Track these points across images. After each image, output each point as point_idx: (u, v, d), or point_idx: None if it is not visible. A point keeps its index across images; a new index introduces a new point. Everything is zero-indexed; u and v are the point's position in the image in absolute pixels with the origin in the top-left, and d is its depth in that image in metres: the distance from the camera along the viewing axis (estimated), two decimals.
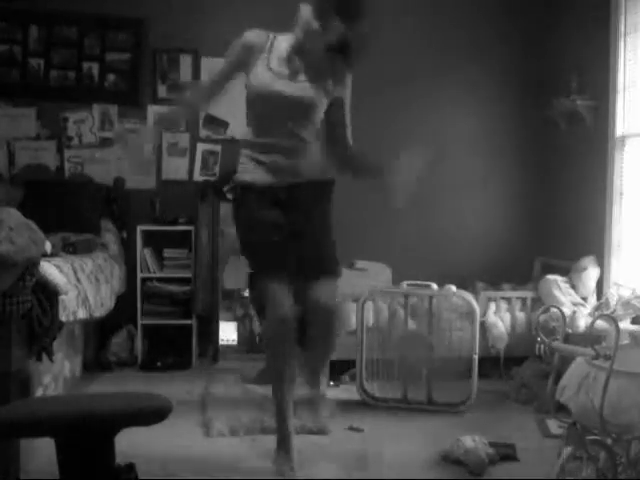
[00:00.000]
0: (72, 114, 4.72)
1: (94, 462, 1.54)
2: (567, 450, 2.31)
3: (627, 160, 4.07)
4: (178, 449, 3.07)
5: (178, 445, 3.11)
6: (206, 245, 4.51)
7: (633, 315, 3.59)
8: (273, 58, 2.65)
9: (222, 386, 3.94)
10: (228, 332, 4.66)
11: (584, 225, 4.43)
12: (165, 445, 3.08)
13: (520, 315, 4.27)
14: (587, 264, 4.14)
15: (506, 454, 3.02)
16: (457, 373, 3.75)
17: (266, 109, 2.68)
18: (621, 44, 4.07)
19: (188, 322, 4.56)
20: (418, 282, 3.82)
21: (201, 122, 4.82)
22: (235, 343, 4.69)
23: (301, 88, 2.65)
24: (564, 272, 4.28)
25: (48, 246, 3.12)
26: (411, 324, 3.85)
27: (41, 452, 2.65)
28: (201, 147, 4.82)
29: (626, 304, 3.68)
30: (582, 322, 3.79)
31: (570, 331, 3.66)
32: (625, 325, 3.45)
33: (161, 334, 4.64)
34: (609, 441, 2.34)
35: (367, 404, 3.77)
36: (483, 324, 4.12)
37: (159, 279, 4.57)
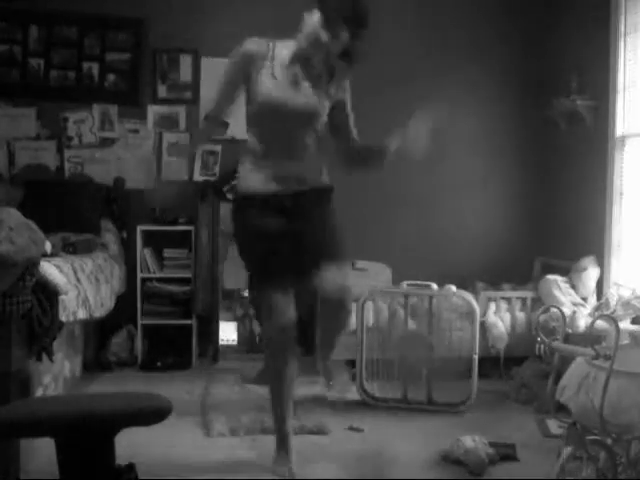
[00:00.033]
0: (72, 114, 4.72)
1: (94, 462, 1.54)
2: (567, 450, 2.31)
3: (627, 160, 4.07)
4: (178, 449, 3.07)
5: (178, 445, 3.11)
6: (206, 245, 4.51)
7: (633, 315, 3.59)
8: (276, 67, 2.63)
9: (222, 386, 3.94)
10: (228, 332, 4.66)
11: (584, 225, 4.43)
12: (165, 445, 3.08)
13: (520, 315, 4.27)
14: (587, 264, 4.14)
15: (506, 454, 3.02)
16: (457, 373, 3.75)
17: (270, 118, 2.66)
18: (621, 44, 4.07)
19: (188, 322, 4.56)
20: (418, 282, 3.82)
21: (201, 122, 4.81)
22: (235, 343, 4.68)
23: (305, 97, 2.64)
24: (564, 272, 4.28)
25: (48, 246, 3.12)
26: (411, 324, 3.85)
27: (41, 452, 2.65)
28: (201, 147, 4.82)
29: (626, 304, 3.68)
30: (582, 322, 3.79)
31: (570, 331, 3.66)
32: (625, 325, 3.45)
33: (161, 334, 4.63)
34: (609, 441, 2.34)
35: (367, 404, 3.77)
36: (483, 324, 4.13)
37: (159, 279, 4.57)
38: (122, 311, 4.36)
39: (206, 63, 4.79)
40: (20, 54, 4.67)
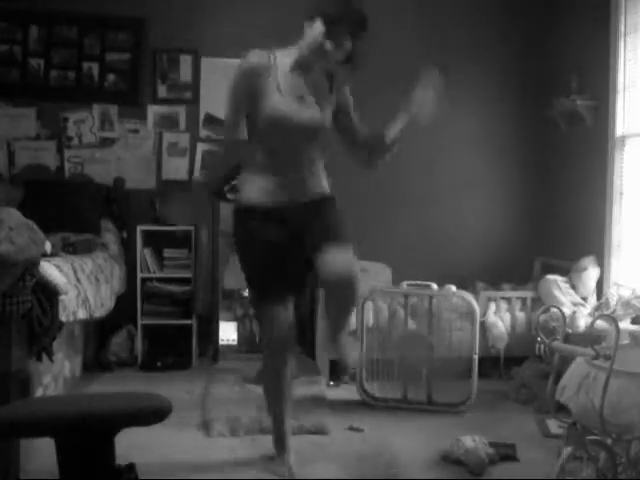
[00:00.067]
0: (72, 114, 4.72)
1: (94, 462, 1.54)
2: (567, 450, 2.31)
3: (627, 160, 4.07)
4: (178, 449, 3.07)
5: (178, 445, 3.11)
6: (206, 245, 4.51)
7: (633, 315, 3.59)
8: (280, 79, 2.61)
9: (222, 386, 3.93)
10: (228, 332, 4.67)
11: (584, 225, 4.43)
12: (165, 445, 3.08)
13: (520, 315, 4.28)
14: (587, 264, 4.14)
15: (506, 454, 3.02)
16: (457, 373, 3.75)
17: (275, 132, 2.63)
18: (621, 44, 4.07)
19: (188, 322, 4.56)
20: (418, 282, 3.82)
21: (201, 122, 4.82)
22: (235, 343, 4.69)
23: (310, 111, 2.64)
24: (564, 272, 4.28)
25: (48, 246, 3.12)
26: (411, 324, 3.85)
27: (41, 452, 2.65)
28: (201, 147, 4.82)
29: (626, 304, 3.68)
30: (582, 322, 3.79)
31: (570, 331, 3.66)
32: (625, 325, 3.45)
33: (161, 334, 4.63)
34: (609, 441, 2.34)
35: (367, 404, 3.77)
36: (483, 324, 4.13)
37: (159, 279, 4.57)
38: (122, 311, 4.36)
39: (206, 63, 4.80)
40: (20, 54, 4.67)
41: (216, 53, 4.78)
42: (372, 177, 4.79)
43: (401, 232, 4.89)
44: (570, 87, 4.40)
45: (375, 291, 3.87)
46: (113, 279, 4.14)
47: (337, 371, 3.66)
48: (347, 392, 3.96)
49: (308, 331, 4.39)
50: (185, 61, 4.81)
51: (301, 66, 2.64)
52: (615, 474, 2.34)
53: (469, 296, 3.82)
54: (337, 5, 2.58)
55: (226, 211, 4.48)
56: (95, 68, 4.73)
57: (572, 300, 4.07)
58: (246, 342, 4.68)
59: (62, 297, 2.94)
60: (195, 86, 4.81)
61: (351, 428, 3.38)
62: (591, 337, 2.82)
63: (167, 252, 4.62)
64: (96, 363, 4.35)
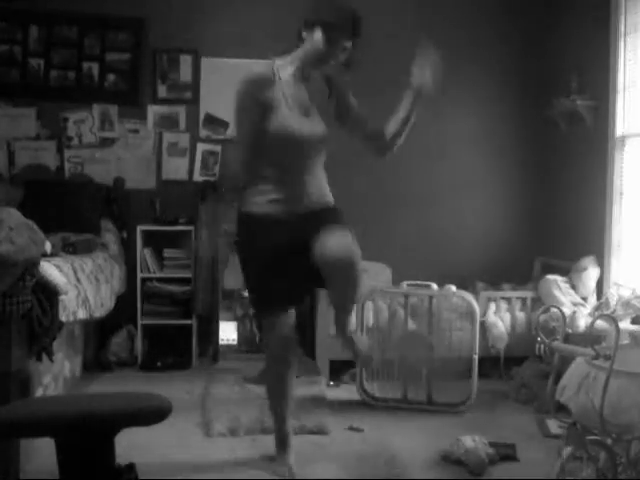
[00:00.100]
0: (72, 114, 4.72)
1: (94, 462, 1.54)
2: (567, 450, 2.31)
3: (627, 160, 4.07)
4: (178, 449, 3.07)
5: (178, 445, 3.11)
6: (206, 245, 4.51)
7: (633, 315, 3.59)
8: (285, 93, 2.62)
9: (222, 386, 3.93)
10: (228, 332, 4.67)
11: (584, 225, 4.43)
12: (165, 445, 3.08)
13: (520, 315, 4.27)
14: (587, 264, 4.14)
15: (506, 454, 3.02)
16: (457, 373, 3.75)
17: (282, 146, 2.64)
18: (621, 44, 4.07)
19: (188, 322, 4.56)
20: (418, 282, 3.82)
21: (201, 122, 4.82)
22: (235, 343, 4.69)
23: (315, 124, 2.66)
24: (564, 272, 4.28)
25: (48, 246, 3.12)
26: (411, 324, 3.85)
27: (41, 452, 2.65)
28: (201, 147, 4.82)
29: (626, 304, 3.68)
30: (582, 322, 3.79)
31: (570, 331, 3.66)
32: (625, 325, 3.45)
33: (161, 334, 4.63)
34: (609, 441, 2.34)
35: (367, 404, 3.77)
36: (483, 324, 4.13)
37: (159, 279, 4.57)
38: (122, 311, 4.36)
39: (206, 63, 4.80)
40: (20, 54, 4.67)
41: (216, 53, 4.79)
42: (372, 177, 4.81)
43: (401, 232, 4.89)
44: (570, 87, 4.40)
45: (375, 291, 3.87)
46: (113, 279, 4.14)
47: (355, 364, 3.55)
48: (347, 392, 3.96)
49: (308, 331, 4.39)
50: (185, 61, 4.80)
51: (302, 75, 2.65)
52: (615, 474, 2.34)
53: (469, 296, 3.82)
54: (332, 10, 2.57)
55: (226, 211, 4.49)
56: (95, 68, 4.73)
57: (572, 300, 4.07)
58: (246, 342, 4.68)
59: (62, 297, 2.94)
60: (195, 86, 4.81)
61: (351, 428, 3.38)
62: (591, 337, 2.82)
63: (167, 252, 4.62)
64: (96, 363, 4.35)
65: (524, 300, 4.32)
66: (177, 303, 4.58)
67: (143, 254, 4.52)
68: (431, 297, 3.79)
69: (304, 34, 2.61)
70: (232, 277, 4.59)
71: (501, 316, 4.24)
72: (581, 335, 3.62)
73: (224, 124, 4.82)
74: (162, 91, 4.80)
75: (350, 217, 2.76)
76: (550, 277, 4.21)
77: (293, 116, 2.61)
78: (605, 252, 4.15)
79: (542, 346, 3.76)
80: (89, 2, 4.66)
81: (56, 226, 3.90)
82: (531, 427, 3.42)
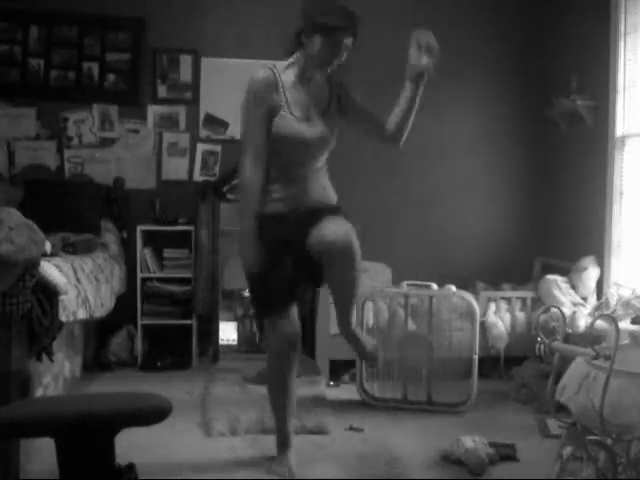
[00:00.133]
0: (72, 114, 4.72)
1: (94, 462, 1.54)
2: (567, 450, 2.31)
3: (627, 160, 4.07)
4: (178, 449, 3.07)
5: (178, 445, 3.11)
6: (206, 245, 4.51)
7: (633, 315, 3.59)
8: (287, 97, 2.63)
9: (222, 386, 3.93)
10: (228, 332, 4.67)
11: (584, 225, 4.43)
12: (165, 445, 3.08)
13: (520, 315, 4.27)
14: (587, 264, 4.14)
15: (506, 454, 3.02)
16: (457, 373, 3.75)
17: (284, 149, 2.65)
18: (621, 44, 4.07)
19: (188, 322, 4.56)
20: (418, 282, 3.82)
21: (201, 122, 4.82)
22: (235, 343, 4.69)
23: (317, 128, 2.67)
24: (564, 272, 4.28)
25: (48, 246, 3.12)
26: (411, 324, 3.85)
27: (41, 452, 2.65)
28: (201, 147, 4.82)
29: (626, 304, 3.68)
30: (582, 322, 3.79)
31: (570, 331, 3.66)
32: (625, 325, 3.45)
33: (161, 334, 4.63)
34: (609, 441, 2.34)
35: (367, 404, 3.77)
36: (483, 324, 4.13)
37: (159, 279, 4.57)
38: (122, 311, 4.36)
39: (206, 63, 4.80)
40: (20, 54, 4.67)
41: (216, 53, 4.79)
42: (372, 177, 4.82)
43: (401, 232, 4.89)
44: (570, 87, 4.40)
45: (375, 291, 3.87)
46: (113, 279, 4.14)
47: (364, 361, 3.44)
48: (347, 392, 3.96)
49: (308, 331, 4.39)
50: (185, 61, 4.80)
51: (304, 80, 2.66)
52: (615, 474, 2.33)
53: (469, 296, 3.82)
54: (332, 12, 2.57)
55: (226, 211, 4.50)
56: (95, 68, 4.73)
57: (572, 300, 4.07)
58: (246, 342, 4.68)
59: (62, 297, 2.94)
60: (195, 86, 4.81)
61: (351, 428, 3.38)
62: (591, 337, 2.82)
63: (167, 252, 4.62)
64: (96, 363, 4.35)
65: (524, 300, 4.32)
66: (177, 303, 4.58)
67: (143, 254, 4.52)
68: (431, 297, 3.78)
69: (304, 39, 2.61)
70: (232, 277, 4.59)
71: (501, 316, 4.24)
72: (581, 335, 3.62)
73: (224, 124, 4.82)
74: (162, 91, 4.80)
75: (350, 217, 2.76)
76: (550, 277, 4.21)
77: (295, 119, 2.63)
78: (605, 252, 4.15)
79: (542, 346, 3.76)
80: (89, 2, 4.66)
81: (56, 226, 3.89)
82: (531, 427, 3.42)
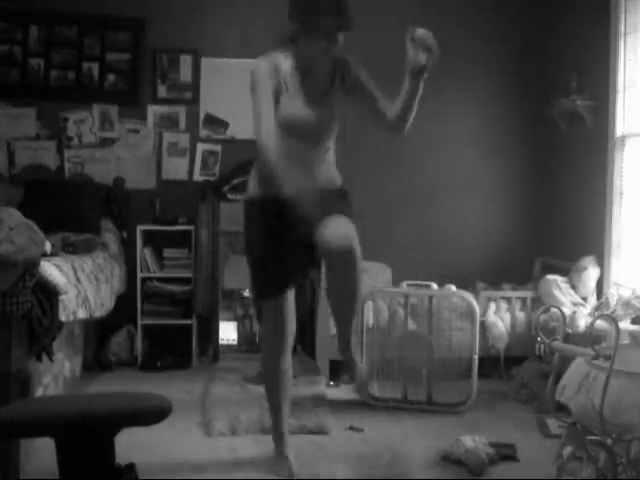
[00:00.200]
0: (72, 114, 4.72)
1: (94, 462, 1.54)
2: (567, 450, 2.31)
3: (627, 160, 4.07)
4: (178, 449, 3.07)
5: (178, 445, 3.11)
6: (206, 245, 4.51)
7: (633, 315, 3.59)
8: (288, 82, 2.62)
9: (222, 386, 3.93)
10: (228, 332, 4.67)
11: (584, 225, 4.43)
12: (165, 445, 3.08)
13: (520, 315, 4.27)
14: (587, 264, 4.14)
15: (506, 454, 3.02)
16: (457, 373, 3.75)
17: (287, 131, 2.64)
18: (621, 44, 4.06)
19: (188, 322, 4.56)
20: (418, 282, 3.82)
21: (201, 122, 4.82)
22: (235, 343, 4.69)
23: (318, 109, 2.65)
24: (564, 272, 4.28)
25: (48, 246, 3.12)
26: (411, 324, 3.85)
27: (41, 452, 2.65)
28: (201, 147, 4.82)
29: (626, 304, 3.68)
30: (582, 322, 3.79)
31: (570, 331, 3.66)
32: (625, 325, 3.45)
33: (161, 334, 4.63)
34: (609, 441, 2.34)
35: (367, 404, 3.77)
36: (483, 324, 4.13)
37: (159, 279, 4.57)
38: (122, 311, 4.36)
39: (206, 63, 4.80)
40: (20, 54, 4.67)
41: (216, 53, 4.79)
42: (372, 177, 4.82)
43: (401, 232, 4.89)
44: (570, 87, 4.40)
45: (375, 291, 3.87)
46: (113, 279, 4.14)
47: (346, 373, 3.42)
48: (347, 392, 3.96)
49: (308, 331, 4.39)
50: (185, 61, 4.81)
51: (301, 69, 2.65)
52: (615, 474, 2.33)
53: (469, 296, 3.82)
54: (318, 9, 2.55)
55: (226, 211, 4.50)
56: (95, 68, 4.73)
57: (572, 300, 4.07)
58: (246, 342, 4.69)
59: (62, 297, 2.94)
60: (195, 86, 4.81)
61: (351, 428, 3.38)
62: (591, 337, 2.82)
63: (167, 252, 4.62)
64: (96, 363, 4.35)
65: (524, 300, 4.32)
66: (177, 303, 4.58)
67: (143, 254, 4.53)
68: (431, 297, 3.78)
69: (296, 35, 2.61)
70: (232, 277, 4.59)
71: (501, 316, 4.24)
72: (581, 335, 3.62)
73: (224, 124, 4.82)
74: (162, 91, 4.80)
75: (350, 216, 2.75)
76: (550, 277, 4.21)
77: (295, 102, 2.62)
78: (605, 252, 4.15)
79: (542, 346, 3.76)
80: (89, 2, 4.66)
81: (56, 226, 3.90)
82: (531, 427, 3.42)
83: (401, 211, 4.92)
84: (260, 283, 2.81)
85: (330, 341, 4.07)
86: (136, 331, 4.50)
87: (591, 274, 4.13)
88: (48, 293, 2.77)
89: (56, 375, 3.38)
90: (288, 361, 2.86)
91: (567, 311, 3.78)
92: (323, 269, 2.74)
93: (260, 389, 3.56)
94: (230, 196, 4.51)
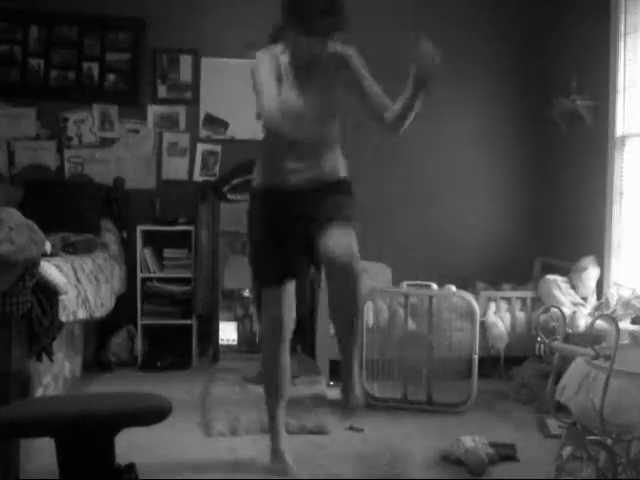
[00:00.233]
0: (72, 114, 4.72)
1: (94, 462, 1.54)
2: (567, 450, 2.31)
3: (627, 160, 4.07)
4: (178, 449, 3.07)
5: (178, 445, 3.11)
6: (206, 245, 4.51)
7: (633, 315, 3.59)
8: (287, 73, 2.64)
9: (222, 386, 3.93)
10: (228, 332, 4.67)
11: (584, 225, 4.43)
12: (165, 445, 3.08)
13: (520, 315, 4.27)
14: (587, 264, 4.14)
15: (506, 454, 3.02)
16: (457, 373, 3.75)
17: (287, 121, 2.64)
18: (621, 44, 4.07)
19: (188, 322, 4.56)
20: (418, 282, 3.82)
21: (201, 122, 4.82)
22: (235, 343, 4.69)
23: (314, 99, 2.65)
24: (564, 272, 4.28)
25: (48, 246, 3.12)
26: (411, 324, 3.85)
27: (41, 452, 2.65)
28: (201, 147, 4.82)
29: (626, 304, 3.68)
30: (582, 322, 3.79)
31: (570, 331, 3.66)
32: (625, 325, 3.45)
33: (161, 334, 4.63)
34: (609, 441, 2.34)
35: (367, 404, 3.76)
36: (483, 324, 4.13)
37: (159, 279, 4.57)
38: (122, 311, 4.36)
39: (206, 63, 4.80)
40: (20, 54, 4.67)
41: (216, 53, 4.79)
42: (372, 177, 4.81)
43: (401, 232, 4.89)
44: (570, 87, 4.40)
45: (375, 291, 3.87)
46: (113, 279, 4.14)
47: (342, 405, 3.39)
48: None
49: (308, 331, 4.39)
50: (185, 61, 4.80)
51: (295, 63, 2.65)
52: (615, 474, 2.33)
53: (469, 296, 3.82)
54: (309, 11, 2.54)
55: (226, 211, 4.50)
56: (95, 68, 4.73)
57: (572, 300, 4.07)
58: (246, 342, 4.68)
59: (62, 297, 2.94)
60: (195, 86, 4.81)
61: (351, 428, 3.38)
62: (591, 337, 2.82)
63: (167, 252, 4.62)
64: (96, 363, 4.35)
65: (524, 300, 4.32)
66: (177, 303, 4.58)
67: (143, 254, 4.53)
68: (431, 297, 3.78)
69: (288, 34, 2.62)
70: (232, 277, 4.59)
71: (501, 316, 4.24)
72: (581, 335, 3.62)
73: (224, 124, 4.82)
74: (162, 91, 4.80)
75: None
76: (550, 277, 4.21)
77: (291, 94, 2.62)
78: (605, 252, 4.15)
79: (542, 346, 3.76)
80: (89, 2, 4.66)
81: (56, 226, 3.89)
82: (531, 427, 3.42)
83: (401, 211, 4.92)
84: (261, 270, 2.82)
85: (330, 341, 4.07)
86: (136, 331, 4.50)
87: (591, 274, 4.13)
88: (48, 293, 2.77)
89: (56, 375, 3.38)
90: (286, 354, 2.86)
91: (567, 311, 3.78)
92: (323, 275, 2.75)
93: (260, 389, 3.56)
94: (230, 196, 4.51)
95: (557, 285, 4.14)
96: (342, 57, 2.69)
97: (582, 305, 4.02)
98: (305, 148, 2.68)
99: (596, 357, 2.26)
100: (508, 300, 4.32)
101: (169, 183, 4.82)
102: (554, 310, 3.31)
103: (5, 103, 4.66)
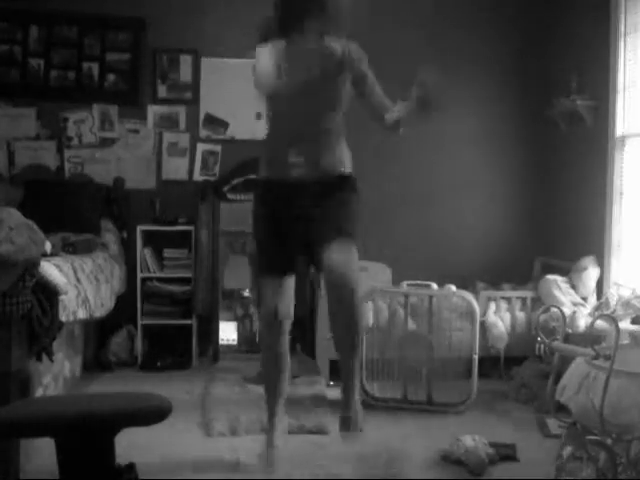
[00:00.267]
0: (72, 114, 4.72)
1: (94, 462, 1.54)
2: (567, 450, 2.31)
3: (627, 160, 4.07)
4: (178, 449, 3.07)
5: (178, 445, 3.11)
6: (206, 245, 4.51)
7: (633, 315, 3.59)
8: (283, 66, 2.64)
9: (222, 386, 3.93)
10: (228, 332, 4.66)
11: (584, 225, 4.43)
12: (165, 445, 3.08)
13: (520, 315, 4.27)
14: (587, 264, 4.14)
15: (506, 454, 3.02)
16: (457, 373, 3.75)
17: (289, 111, 2.68)
18: (621, 44, 4.06)
19: (188, 322, 4.56)
20: (418, 282, 3.82)
21: (201, 122, 4.82)
22: (235, 343, 4.69)
23: (312, 93, 2.66)
24: (564, 272, 4.28)
25: (48, 246, 3.12)
26: (411, 324, 3.85)
27: (41, 452, 2.65)
28: (201, 147, 4.82)
29: (626, 304, 3.68)
30: (582, 322, 3.79)
31: (570, 331, 3.66)
32: (625, 325, 3.45)
33: (161, 334, 4.63)
34: (609, 441, 2.34)
35: (367, 404, 3.76)
36: (483, 324, 4.13)
37: (159, 279, 4.57)
38: (122, 311, 4.36)
39: (206, 63, 4.80)
40: (20, 54, 4.67)
41: (216, 53, 4.79)
42: (372, 177, 4.80)
43: (401, 232, 4.89)
44: (570, 87, 4.40)
45: (375, 291, 3.87)
46: (113, 279, 4.14)
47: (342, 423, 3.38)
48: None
49: (308, 331, 4.39)
50: (185, 61, 4.81)
51: (291, 58, 2.66)
52: (615, 474, 2.33)
53: (469, 296, 3.82)
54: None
55: (226, 211, 4.50)
56: (95, 68, 4.73)
57: (572, 300, 4.07)
58: (246, 342, 4.68)
59: (62, 297, 2.94)
60: (195, 86, 4.81)
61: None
62: (591, 337, 2.82)
63: (167, 252, 4.62)
64: (96, 363, 4.35)
65: (524, 300, 4.32)
66: (177, 303, 4.58)
67: (143, 254, 4.53)
68: (431, 297, 3.78)
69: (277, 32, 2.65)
70: (232, 277, 4.59)
71: (501, 316, 4.24)
72: (581, 335, 3.62)
73: (224, 124, 4.82)
74: (162, 91, 4.80)
75: None
76: (550, 277, 4.21)
77: (289, 88, 2.63)
78: (605, 252, 4.15)
79: (542, 346, 3.76)
80: (89, 2, 4.66)
81: (56, 226, 3.89)
82: (531, 427, 3.42)
83: (401, 211, 4.92)
84: (264, 260, 2.84)
85: (330, 341, 4.07)
86: (136, 331, 4.50)
87: (591, 274, 4.13)
88: (48, 293, 2.77)
89: (56, 375, 3.38)
90: (285, 347, 2.86)
91: (567, 311, 3.78)
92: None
93: (260, 389, 3.56)
94: (230, 196, 4.51)
95: (557, 285, 4.14)
96: (353, 58, 2.72)
97: (582, 305, 4.02)
98: (305, 141, 2.69)
99: (596, 357, 2.26)
100: (508, 300, 4.32)
101: (169, 183, 4.82)
102: (554, 310, 3.31)
103: (5, 103, 4.66)
